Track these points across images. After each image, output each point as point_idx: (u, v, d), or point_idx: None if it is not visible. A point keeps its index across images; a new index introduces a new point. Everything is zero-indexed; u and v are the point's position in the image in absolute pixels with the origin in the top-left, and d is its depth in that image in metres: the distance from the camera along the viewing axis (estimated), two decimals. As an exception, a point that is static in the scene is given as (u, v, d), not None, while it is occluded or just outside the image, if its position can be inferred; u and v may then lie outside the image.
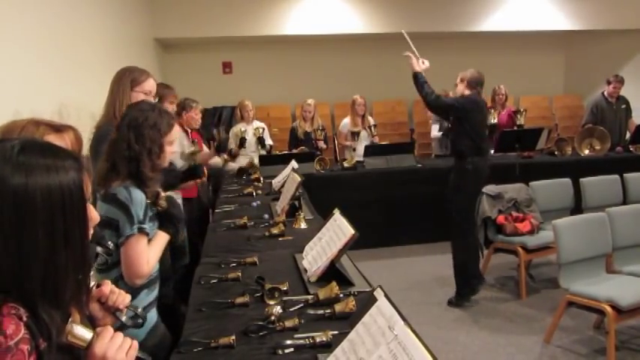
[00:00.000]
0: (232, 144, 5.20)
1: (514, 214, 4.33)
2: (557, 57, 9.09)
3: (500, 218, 4.29)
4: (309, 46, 7.91)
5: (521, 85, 8.16)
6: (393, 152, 5.57)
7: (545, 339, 3.45)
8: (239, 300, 1.86)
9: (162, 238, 1.87)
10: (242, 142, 5.11)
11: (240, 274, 2.13)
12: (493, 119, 5.62)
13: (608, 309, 3.01)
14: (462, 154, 3.98)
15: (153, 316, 1.86)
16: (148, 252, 1.76)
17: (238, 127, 5.45)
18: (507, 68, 7.99)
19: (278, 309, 1.71)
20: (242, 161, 5.33)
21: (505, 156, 5.57)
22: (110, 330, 1.03)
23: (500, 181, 4.48)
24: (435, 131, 6.17)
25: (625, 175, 4.83)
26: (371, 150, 5.55)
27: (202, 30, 6.86)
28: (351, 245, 2.03)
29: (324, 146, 5.94)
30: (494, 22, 7.51)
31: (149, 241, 1.79)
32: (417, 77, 3.97)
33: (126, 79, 2.45)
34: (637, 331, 3.53)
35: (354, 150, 5.86)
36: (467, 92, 4.01)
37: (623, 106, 6.24)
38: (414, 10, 7.19)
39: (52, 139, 1.45)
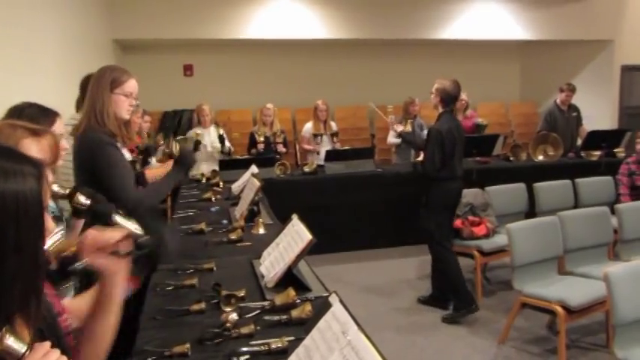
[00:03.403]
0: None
1: (470, 218, 4.43)
2: (513, 65, 9.38)
3: (458, 222, 4.37)
4: (272, 51, 7.90)
5: (479, 92, 8.35)
6: (354, 157, 5.59)
7: (500, 340, 3.54)
8: (195, 307, 1.83)
9: None
10: (196, 145, 5.06)
11: (196, 280, 2.10)
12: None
13: (559, 309, 3.11)
14: (433, 177, 3.90)
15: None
16: None
17: (194, 131, 5.44)
18: (466, 76, 8.05)
19: (234, 316, 1.69)
20: (203, 168, 5.28)
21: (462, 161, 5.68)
22: (46, 345, 0.99)
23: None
24: (392, 137, 5.91)
25: (576, 180, 5.00)
26: (331, 155, 5.60)
27: (163, 31, 6.73)
28: (312, 250, 2.03)
29: (284, 150, 5.94)
30: (453, 30, 7.68)
31: None
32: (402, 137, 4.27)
33: (105, 79, 2.25)
34: (587, 329, 3.65)
35: (318, 153, 5.88)
36: (440, 109, 3.90)
37: (575, 114, 6.47)
38: (375, 16, 7.27)
39: (29, 142, 1.42)
